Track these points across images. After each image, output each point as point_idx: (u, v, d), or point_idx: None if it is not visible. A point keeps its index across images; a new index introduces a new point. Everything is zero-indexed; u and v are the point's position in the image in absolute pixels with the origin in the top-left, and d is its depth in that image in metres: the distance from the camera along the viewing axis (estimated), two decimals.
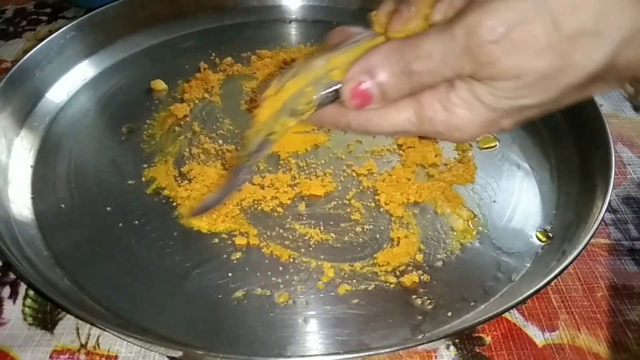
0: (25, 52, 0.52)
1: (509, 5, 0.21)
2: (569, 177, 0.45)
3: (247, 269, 0.39)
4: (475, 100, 0.24)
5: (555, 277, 0.34)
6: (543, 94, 0.23)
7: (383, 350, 0.32)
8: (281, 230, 0.41)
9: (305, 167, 0.47)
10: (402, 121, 0.25)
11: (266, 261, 0.39)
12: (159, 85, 0.55)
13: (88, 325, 0.37)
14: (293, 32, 0.64)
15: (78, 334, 0.36)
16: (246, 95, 0.54)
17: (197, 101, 0.54)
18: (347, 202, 0.44)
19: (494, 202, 0.44)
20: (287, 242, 0.41)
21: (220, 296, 0.37)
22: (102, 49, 0.58)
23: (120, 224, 0.42)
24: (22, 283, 0.40)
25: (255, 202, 0.43)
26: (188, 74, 0.57)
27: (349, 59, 0.25)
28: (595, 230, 0.36)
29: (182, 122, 0.51)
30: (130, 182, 0.45)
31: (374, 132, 0.27)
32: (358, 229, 0.42)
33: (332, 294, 0.37)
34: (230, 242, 0.41)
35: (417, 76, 0.23)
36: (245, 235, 0.41)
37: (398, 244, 0.40)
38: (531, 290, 0.33)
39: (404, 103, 0.25)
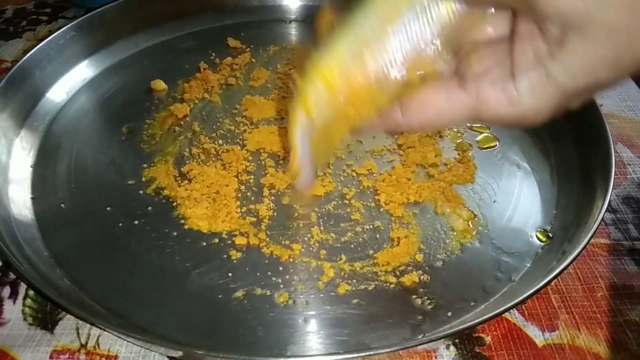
0: (25, 52, 0.52)
1: None
2: (569, 177, 0.45)
3: (247, 269, 0.39)
4: (545, 84, 0.22)
5: (555, 277, 0.34)
6: (616, 64, 0.21)
7: (383, 350, 0.32)
8: (281, 230, 0.41)
9: None
10: (461, 117, 0.24)
11: (266, 261, 0.39)
12: (159, 85, 0.55)
13: (88, 325, 0.37)
14: (293, 32, 0.64)
15: (78, 334, 0.36)
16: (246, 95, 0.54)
17: (197, 101, 0.54)
18: (347, 202, 0.44)
19: (494, 202, 0.44)
20: (287, 242, 0.41)
21: (220, 296, 0.37)
22: (102, 49, 0.58)
23: (120, 224, 0.42)
24: (22, 283, 0.40)
25: (256, 202, 0.43)
26: (188, 74, 0.57)
27: None
28: (595, 230, 0.36)
29: (182, 122, 0.51)
30: (130, 182, 0.45)
31: (428, 127, 0.25)
32: (358, 229, 0.42)
33: (332, 294, 0.37)
34: (230, 242, 0.41)
35: None
36: (245, 235, 0.41)
37: (398, 244, 0.40)
38: (531, 290, 0.33)
39: (459, 98, 0.23)
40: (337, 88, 0.25)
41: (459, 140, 0.49)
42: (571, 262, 0.35)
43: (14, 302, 0.38)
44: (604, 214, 0.37)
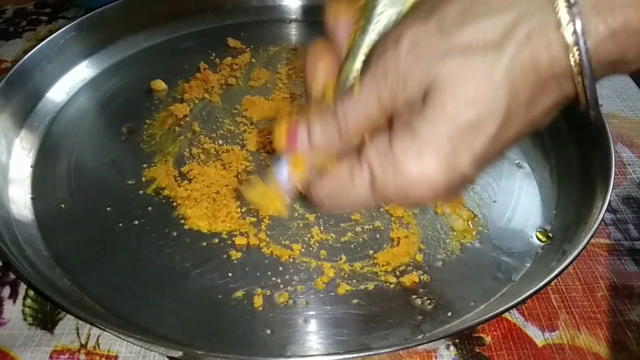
0: (25, 52, 0.52)
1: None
2: (569, 177, 0.45)
3: (247, 269, 0.39)
4: (416, 139, 0.21)
5: (555, 277, 0.34)
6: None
7: (383, 350, 0.32)
8: (281, 230, 0.41)
9: None
10: (362, 197, 0.23)
11: (266, 261, 0.39)
12: (159, 85, 0.55)
13: (88, 325, 0.37)
14: (293, 32, 0.64)
15: (78, 334, 0.36)
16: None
17: (197, 101, 0.54)
18: None
19: (494, 202, 0.44)
20: (287, 242, 0.41)
21: (220, 296, 0.37)
22: (102, 49, 0.58)
23: (120, 224, 0.42)
24: (22, 283, 0.40)
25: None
26: (188, 74, 0.57)
27: None
28: (595, 230, 0.36)
29: (182, 122, 0.51)
30: (130, 182, 0.45)
31: (340, 208, 0.25)
32: (358, 229, 0.42)
33: (332, 294, 0.37)
34: (230, 242, 0.41)
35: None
36: (245, 235, 0.41)
37: (398, 244, 0.40)
38: (531, 290, 0.33)
39: (358, 173, 0.23)
40: None
41: None
42: (571, 262, 0.35)
43: (14, 302, 0.38)
44: (604, 214, 0.37)
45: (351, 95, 0.23)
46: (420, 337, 0.34)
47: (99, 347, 0.35)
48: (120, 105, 0.53)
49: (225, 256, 0.40)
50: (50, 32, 0.57)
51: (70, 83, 0.55)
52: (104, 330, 0.36)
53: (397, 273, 0.38)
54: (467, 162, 0.21)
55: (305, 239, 0.41)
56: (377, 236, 0.41)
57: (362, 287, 0.38)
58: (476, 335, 0.36)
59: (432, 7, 0.22)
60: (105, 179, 0.46)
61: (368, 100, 0.23)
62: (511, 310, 0.37)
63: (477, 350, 0.35)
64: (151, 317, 0.36)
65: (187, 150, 0.48)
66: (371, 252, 0.40)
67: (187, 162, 0.47)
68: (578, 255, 0.35)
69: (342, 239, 0.41)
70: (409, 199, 0.22)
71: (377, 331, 0.35)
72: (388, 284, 0.38)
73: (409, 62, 0.21)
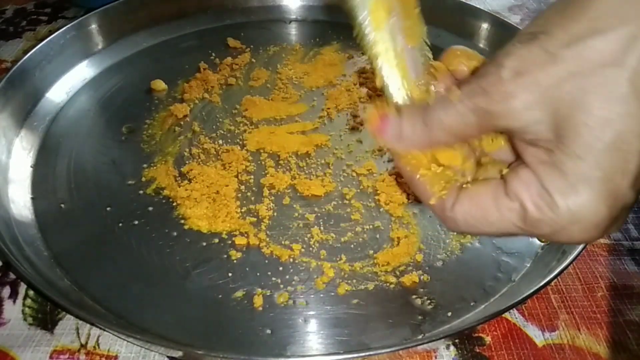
0: (25, 52, 0.52)
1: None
2: None
3: (247, 269, 0.39)
4: (567, 177, 0.20)
5: (555, 277, 0.34)
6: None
7: (383, 350, 0.32)
8: (281, 230, 0.41)
9: (305, 167, 0.47)
10: (506, 227, 0.23)
11: (266, 261, 0.39)
12: (159, 85, 0.55)
13: (88, 325, 0.37)
14: (293, 32, 0.64)
15: (78, 334, 0.36)
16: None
17: (197, 101, 0.54)
18: (347, 202, 0.44)
19: None
20: (287, 242, 0.41)
21: (220, 296, 0.37)
22: (102, 49, 0.58)
23: (120, 224, 0.42)
24: (22, 283, 0.40)
25: (256, 202, 0.43)
26: (188, 74, 0.57)
27: None
28: None
29: (182, 122, 0.51)
30: (130, 182, 0.45)
31: (475, 231, 0.24)
32: (358, 229, 0.42)
33: (332, 294, 0.37)
34: (230, 242, 0.41)
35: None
36: (245, 235, 0.41)
37: (398, 244, 0.40)
38: (531, 290, 0.33)
39: (505, 203, 0.22)
40: None
41: None
42: (571, 262, 0.35)
43: (14, 302, 0.38)
44: None
45: (449, 101, 0.23)
46: (420, 337, 0.34)
47: (99, 347, 0.35)
48: (120, 105, 0.54)
49: (225, 256, 0.40)
50: (50, 32, 0.57)
51: (70, 83, 0.55)
52: (104, 330, 0.36)
53: (397, 273, 0.38)
54: (624, 185, 0.20)
55: (305, 239, 0.41)
56: (377, 236, 0.41)
57: (362, 287, 0.38)
58: (476, 335, 0.36)
59: (532, 32, 0.21)
60: (105, 179, 0.46)
61: (466, 111, 0.22)
62: (511, 310, 0.37)
63: (477, 350, 0.35)
64: (151, 317, 0.36)
65: (187, 150, 0.48)
66: (371, 252, 0.40)
67: (187, 162, 0.47)
68: (578, 255, 0.35)
69: (342, 239, 0.41)
70: (570, 238, 0.21)
71: (377, 331, 0.35)
72: (388, 284, 0.38)
73: (513, 86, 0.21)
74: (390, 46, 0.25)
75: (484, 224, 0.23)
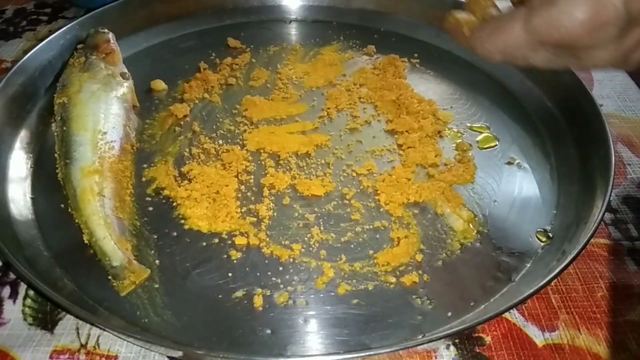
0: (25, 52, 0.52)
1: None
2: (569, 177, 0.45)
3: (247, 269, 0.39)
4: None
5: (555, 277, 0.34)
6: None
7: (383, 350, 0.32)
8: (281, 230, 0.41)
9: (305, 167, 0.47)
10: (607, 61, 0.27)
11: (266, 261, 0.39)
12: (159, 85, 0.55)
13: (88, 325, 0.37)
14: (293, 32, 0.64)
15: (78, 334, 0.36)
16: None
17: (197, 101, 0.54)
18: (347, 202, 0.44)
19: (494, 202, 0.44)
20: (287, 242, 0.41)
21: (220, 296, 0.37)
22: None
23: None
24: (22, 283, 0.40)
25: (256, 202, 0.43)
26: (188, 74, 0.57)
27: None
28: (595, 230, 0.36)
29: (182, 122, 0.51)
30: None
31: (494, 48, 0.29)
32: (358, 229, 0.42)
33: (332, 294, 0.37)
34: (230, 242, 0.41)
35: None
36: (245, 235, 0.41)
37: (398, 244, 0.40)
38: (531, 290, 0.33)
39: (516, 13, 0.27)
40: None
41: (459, 140, 0.49)
42: (571, 262, 0.35)
43: (14, 302, 0.38)
44: (604, 214, 0.37)
45: None
46: (420, 337, 0.34)
47: (99, 347, 0.35)
48: None
49: (225, 256, 0.40)
50: (50, 32, 0.57)
51: None
52: (104, 330, 0.36)
53: (397, 273, 0.38)
54: None
55: (305, 239, 0.41)
56: (377, 236, 0.41)
57: (362, 287, 0.38)
58: (476, 335, 0.36)
59: None
60: None
61: None
62: (511, 310, 0.37)
63: (477, 350, 0.35)
64: (151, 317, 0.36)
65: (187, 150, 0.48)
66: (371, 252, 0.40)
67: (187, 162, 0.47)
68: (578, 255, 0.35)
69: (342, 239, 0.41)
70: (559, 29, 0.25)
71: (377, 331, 0.35)
72: (388, 284, 0.38)
73: None
74: None
75: (500, 36, 0.28)
